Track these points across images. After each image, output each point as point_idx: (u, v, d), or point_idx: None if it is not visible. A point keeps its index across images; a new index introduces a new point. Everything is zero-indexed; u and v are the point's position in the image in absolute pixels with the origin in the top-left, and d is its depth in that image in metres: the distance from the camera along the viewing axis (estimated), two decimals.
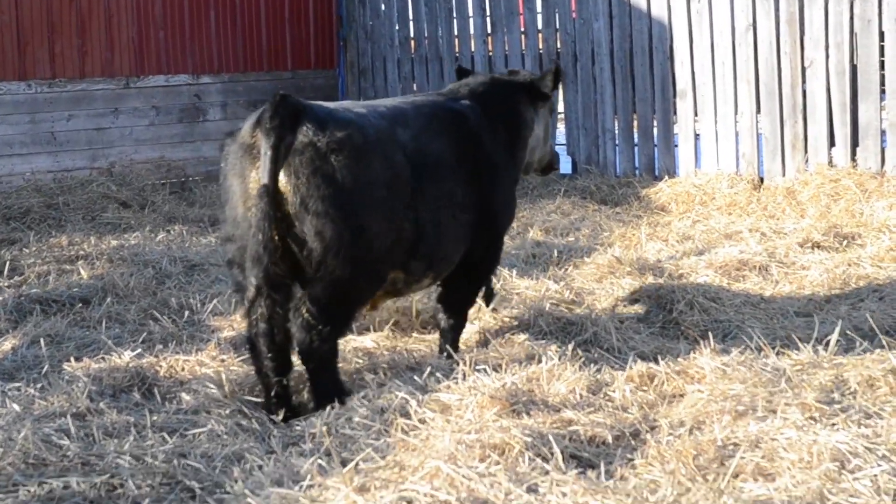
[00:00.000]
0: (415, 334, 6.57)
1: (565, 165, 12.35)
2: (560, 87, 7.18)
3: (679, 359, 5.71)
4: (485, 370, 5.54)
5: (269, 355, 5.38)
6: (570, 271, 7.84)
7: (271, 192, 5.26)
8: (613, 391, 5.33)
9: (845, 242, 8.49)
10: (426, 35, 13.26)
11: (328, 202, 5.36)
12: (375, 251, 5.55)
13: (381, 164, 5.58)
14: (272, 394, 5.42)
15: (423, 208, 5.75)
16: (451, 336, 6.29)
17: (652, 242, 8.78)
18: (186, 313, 7.11)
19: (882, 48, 10.31)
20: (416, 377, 5.60)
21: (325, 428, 5.01)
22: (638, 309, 6.75)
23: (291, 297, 5.47)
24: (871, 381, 5.24)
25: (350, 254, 5.41)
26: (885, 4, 10.22)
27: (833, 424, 4.74)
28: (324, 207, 5.35)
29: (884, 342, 5.92)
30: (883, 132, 10.32)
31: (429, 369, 5.66)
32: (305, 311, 5.40)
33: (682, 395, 5.29)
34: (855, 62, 10.42)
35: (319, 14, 13.69)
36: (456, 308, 6.35)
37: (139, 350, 6.19)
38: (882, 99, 10.39)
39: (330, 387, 5.48)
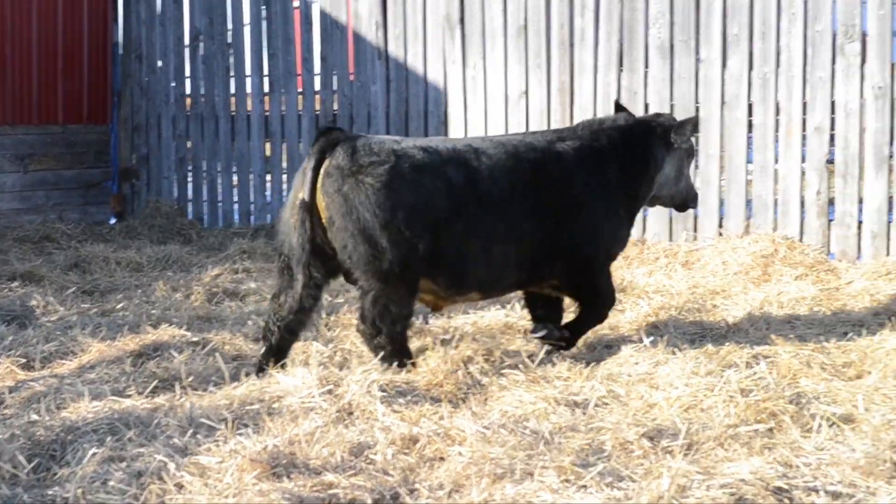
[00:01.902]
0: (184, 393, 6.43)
1: None
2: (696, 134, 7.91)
3: (442, 421, 5.74)
4: (247, 432, 5.49)
5: (279, 323, 6.78)
6: (339, 333, 7.82)
7: (308, 205, 6.52)
8: (375, 454, 5.30)
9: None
10: (202, 93, 13.15)
11: (348, 219, 6.52)
12: (393, 264, 6.57)
13: (404, 191, 6.58)
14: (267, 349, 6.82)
15: (451, 233, 6.75)
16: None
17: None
18: None
19: None
20: (176, 438, 5.50)
21: (79, 491, 4.88)
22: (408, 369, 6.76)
23: (321, 288, 6.84)
24: (625, 445, 5.36)
25: (371, 266, 6.57)
26: (651, 78, 10.61)
27: (586, 487, 4.84)
28: (344, 223, 6.54)
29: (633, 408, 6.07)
30: None
31: (190, 430, 5.57)
32: (361, 308, 6.69)
33: (443, 459, 5.31)
34: None
35: (94, 68, 13.41)
36: (572, 330, 7.32)
37: None
38: None
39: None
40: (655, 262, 9.92)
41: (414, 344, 7.12)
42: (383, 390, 6.16)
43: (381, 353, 6.64)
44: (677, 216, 10.41)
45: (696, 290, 8.87)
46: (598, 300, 7.40)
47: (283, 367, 6.72)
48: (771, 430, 5.61)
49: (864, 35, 9.94)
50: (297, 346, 7.21)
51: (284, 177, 12.66)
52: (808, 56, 10.07)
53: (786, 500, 4.65)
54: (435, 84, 11.74)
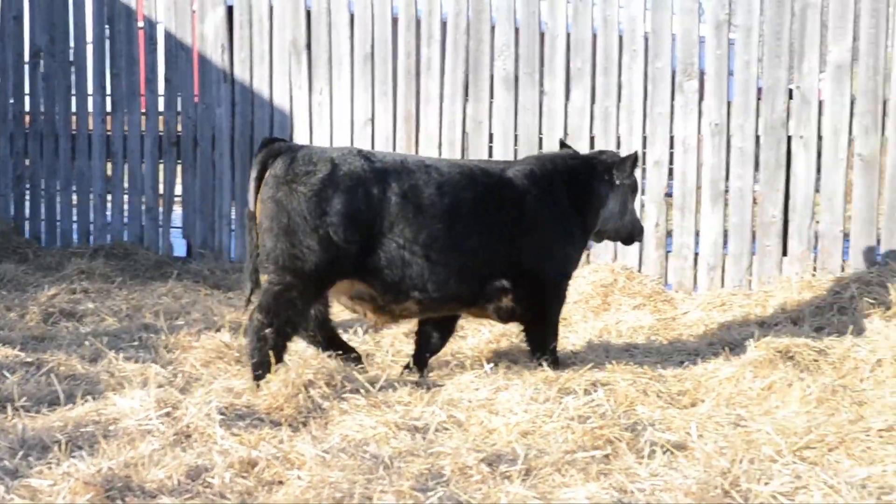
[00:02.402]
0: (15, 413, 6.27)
1: (179, 249, 12.24)
2: (635, 171, 8.00)
3: (281, 445, 5.70)
4: (81, 455, 5.37)
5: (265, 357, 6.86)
6: (179, 355, 7.72)
7: (252, 214, 6.93)
8: (213, 477, 5.23)
9: None
10: (42, 111, 12.84)
11: (275, 221, 6.82)
12: (316, 266, 6.85)
13: (335, 198, 6.86)
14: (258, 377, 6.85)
15: (388, 241, 6.99)
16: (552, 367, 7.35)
17: None
18: None
19: (491, 148, 10.79)
20: (6, 461, 5.36)
21: None
22: (248, 395, 6.70)
23: None
24: (465, 470, 5.39)
25: (291, 264, 6.84)
26: (496, 109, 10.73)
27: None
28: (271, 224, 6.83)
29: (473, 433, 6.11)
30: None
31: (21, 452, 5.44)
32: (262, 301, 6.89)
33: (281, 482, 5.27)
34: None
35: None
36: (536, 350, 7.56)
37: None
38: None
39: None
40: None
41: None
42: (222, 413, 6.10)
43: (261, 346, 6.85)
44: None
45: None
46: (549, 321, 7.66)
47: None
48: (607, 456, 5.69)
49: (702, 73, 10.19)
50: (135, 368, 7.11)
51: (126, 197, 12.44)
52: (648, 92, 10.29)
53: None
54: (281, 108, 11.69)
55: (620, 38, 10.40)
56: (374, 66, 11.28)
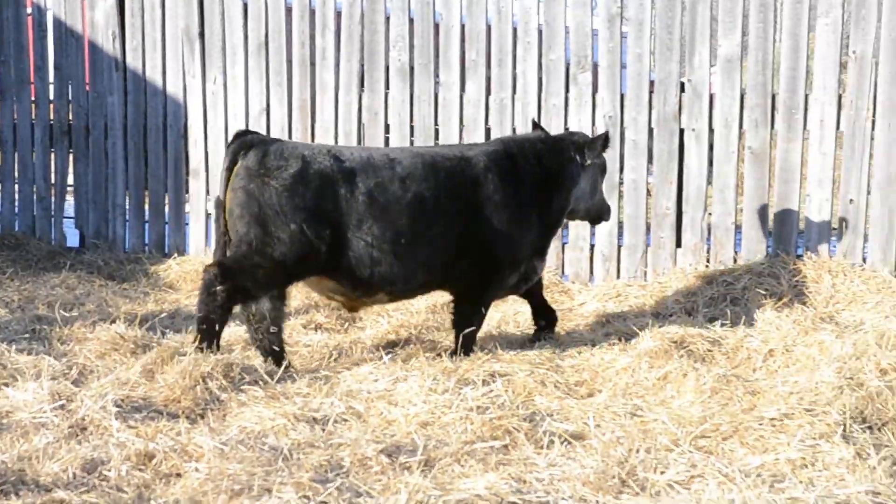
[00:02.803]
0: None
1: (73, 239, 12.06)
2: (606, 150, 8.20)
3: (179, 437, 5.64)
4: None
5: (212, 313, 7.10)
6: (73, 347, 7.60)
7: (221, 203, 7.10)
8: (109, 470, 5.19)
9: (346, 325, 8.73)
10: None
11: (246, 209, 6.99)
12: (278, 253, 7.02)
13: (307, 194, 7.04)
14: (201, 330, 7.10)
15: (355, 237, 7.17)
16: (462, 350, 7.56)
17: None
18: None
19: (388, 139, 10.79)
20: None
21: None
22: (145, 385, 6.62)
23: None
24: (364, 461, 5.38)
25: (263, 249, 7.01)
26: (391, 100, 10.72)
27: (325, 503, 4.84)
28: (241, 212, 7.00)
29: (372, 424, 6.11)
30: None
31: None
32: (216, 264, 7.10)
33: (179, 475, 5.23)
34: None
35: None
36: (459, 325, 7.65)
37: None
38: None
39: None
40: None
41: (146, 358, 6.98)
42: (118, 405, 6.04)
43: (208, 301, 7.06)
44: None
45: (436, 308, 8.98)
46: (482, 302, 7.82)
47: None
48: (506, 446, 5.73)
49: (595, 66, 10.26)
50: (28, 360, 6.99)
51: (17, 186, 12.21)
52: (542, 83, 10.35)
53: None
54: (174, 97, 11.56)
55: (514, 29, 10.44)
56: (268, 55, 11.21)
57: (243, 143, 7.16)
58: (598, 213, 8.41)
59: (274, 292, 7.14)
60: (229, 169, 7.10)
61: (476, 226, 7.52)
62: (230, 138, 7.38)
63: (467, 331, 7.61)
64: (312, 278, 7.37)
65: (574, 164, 8.01)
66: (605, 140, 8.06)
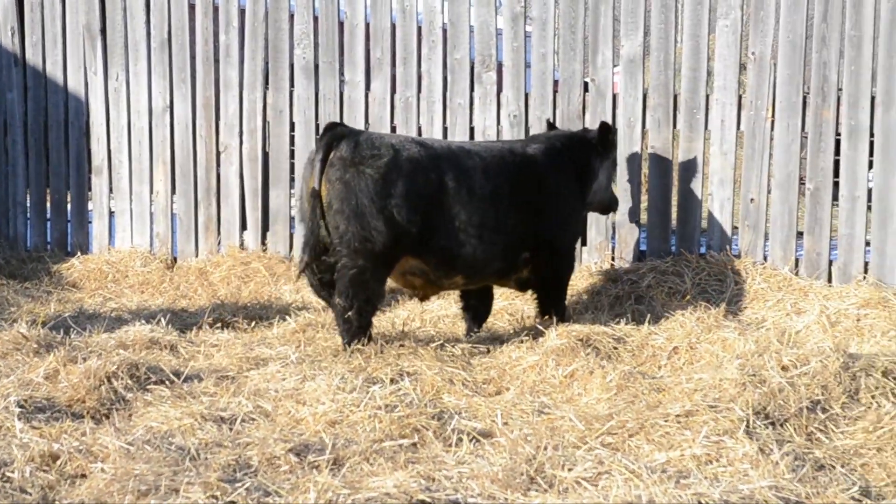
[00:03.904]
0: None
1: None
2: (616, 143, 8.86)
3: (84, 437, 5.58)
4: None
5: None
6: None
7: (317, 193, 7.37)
8: (13, 472, 5.09)
9: (253, 323, 8.69)
10: None
11: (346, 203, 7.32)
12: (384, 246, 7.39)
13: (399, 181, 7.42)
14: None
15: (443, 221, 7.64)
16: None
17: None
18: None
19: (293, 138, 10.74)
20: None
21: None
22: (49, 385, 6.53)
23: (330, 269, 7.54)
24: (273, 460, 5.36)
25: (362, 246, 7.35)
26: (296, 98, 10.68)
27: (234, 503, 4.80)
28: (341, 206, 7.32)
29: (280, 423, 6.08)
30: (292, 218, 10.74)
31: None
32: (339, 286, 7.43)
33: (84, 476, 5.17)
34: (267, 150, 10.80)
35: None
36: (547, 310, 8.32)
37: None
38: (292, 186, 10.79)
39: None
40: (303, 279, 9.95)
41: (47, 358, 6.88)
42: (21, 406, 5.96)
43: (348, 328, 7.45)
44: None
45: None
46: (562, 287, 8.47)
47: None
48: (415, 444, 5.73)
49: (499, 65, 10.30)
50: None
51: None
52: (448, 82, 10.37)
53: None
54: (76, 94, 11.41)
55: (419, 28, 10.45)
56: (171, 52, 11.11)
57: (335, 134, 7.47)
58: (608, 205, 9.03)
59: (379, 284, 7.59)
60: (323, 160, 7.40)
61: (541, 219, 8.09)
62: (321, 131, 7.59)
63: (561, 312, 8.31)
64: (401, 259, 7.71)
65: (596, 159, 8.64)
66: (614, 134, 8.78)
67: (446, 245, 7.68)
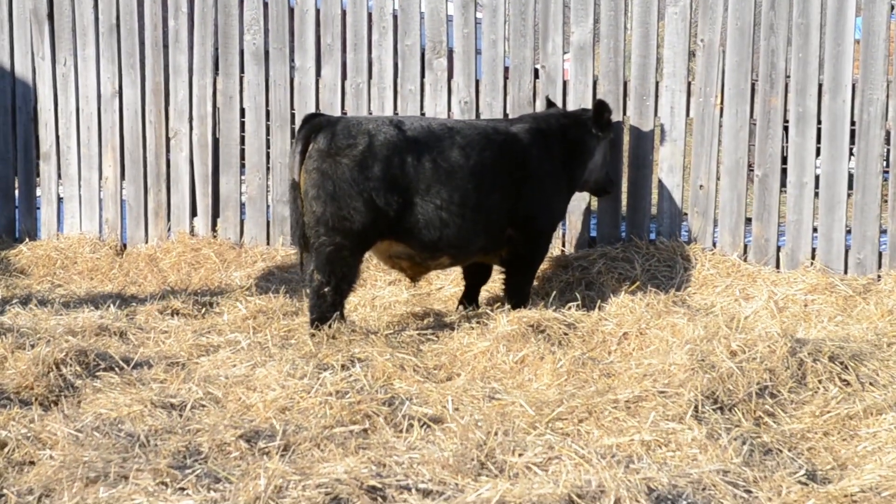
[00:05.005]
0: None
1: None
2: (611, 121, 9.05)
3: (32, 424, 5.55)
4: None
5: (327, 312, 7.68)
6: None
7: (296, 184, 7.65)
8: None
9: (204, 310, 8.67)
10: None
11: (321, 189, 7.54)
12: (363, 225, 7.59)
13: (376, 166, 7.61)
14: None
15: (421, 201, 7.76)
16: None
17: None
18: None
19: (243, 124, 10.70)
20: None
21: None
22: None
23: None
24: (223, 446, 5.36)
25: (340, 225, 7.56)
26: (246, 83, 10.63)
27: (183, 489, 4.80)
28: (317, 192, 7.55)
29: (230, 409, 6.07)
30: (242, 205, 10.70)
31: None
32: (316, 262, 7.63)
33: (33, 463, 5.14)
34: (217, 136, 10.75)
35: None
36: (513, 291, 8.49)
37: None
38: (242, 173, 10.76)
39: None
40: (254, 266, 9.95)
41: None
42: None
43: (320, 303, 7.61)
44: (274, 220, 10.49)
45: (293, 293, 8.96)
46: (532, 269, 8.64)
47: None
48: (365, 430, 5.75)
49: (450, 51, 10.30)
50: None
51: None
52: (398, 69, 10.36)
53: (379, 499, 4.76)
54: (23, 79, 11.31)
55: (370, 14, 10.43)
56: (120, 37, 11.02)
57: (313, 125, 7.69)
58: (604, 185, 9.26)
59: (356, 261, 7.76)
60: (302, 152, 7.62)
61: (523, 196, 8.21)
62: (300, 122, 7.86)
63: (524, 296, 8.47)
64: (382, 244, 7.91)
65: (592, 138, 8.83)
66: (609, 113, 8.91)
67: (428, 226, 7.82)
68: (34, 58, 11.30)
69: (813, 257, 9.31)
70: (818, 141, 9.34)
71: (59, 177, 11.29)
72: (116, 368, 6.61)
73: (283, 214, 10.24)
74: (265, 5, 10.65)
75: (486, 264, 8.73)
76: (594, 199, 9.92)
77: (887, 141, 9.65)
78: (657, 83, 9.73)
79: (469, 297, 8.78)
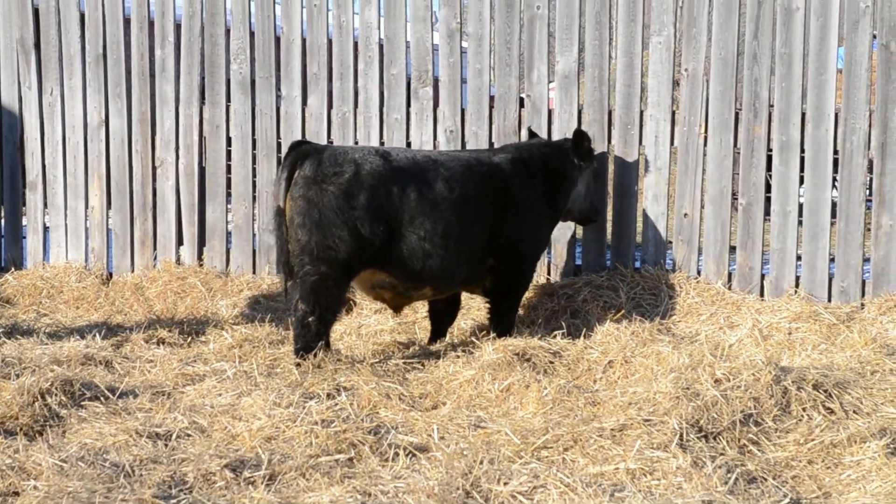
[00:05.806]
0: None
1: None
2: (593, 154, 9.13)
3: (17, 454, 5.54)
4: None
5: (311, 342, 7.62)
6: None
7: (281, 211, 7.60)
8: None
9: (189, 339, 8.66)
10: None
11: (307, 216, 7.51)
12: (347, 255, 7.56)
13: (361, 196, 7.59)
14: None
15: (406, 231, 7.77)
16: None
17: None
18: None
19: (230, 153, 10.72)
20: None
21: None
22: None
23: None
24: (208, 476, 5.36)
25: (325, 254, 7.53)
26: (233, 112, 10.65)
27: None
28: (303, 220, 7.51)
29: (216, 439, 6.07)
30: (229, 233, 10.71)
31: None
32: (301, 292, 7.59)
33: (17, 493, 5.13)
34: (204, 165, 10.77)
35: None
36: (498, 319, 8.46)
37: None
38: (228, 202, 10.76)
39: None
40: (240, 295, 9.95)
41: None
42: None
43: (305, 332, 7.57)
44: (260, 249, 10.50)
45: (279, 321, 8.96)
46: (517, 297, 8.63)
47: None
48: (351, 459, 5.76)
49: (436, 80, 10.34)
50: None
51: None
52: (384, 98, 10.39)
53: None
54: (9, 109, 11.32)
55: (356, 44, 10.46)
56: (106, 66, 11.04)
57: (300, 153, 7.67)
58: (588, 214, 9.22)
59: (341, 291, 7.76)
60: (288, 179, 7.60)
61: (505, 225, 8.24)
62: (287, 149, 7.84)
63: (509, 324, 8.47)
64: (366, 273, 7.87)
65: (574, 168, 8.85)
66: (589, 142, 8.93)
67: (412, 257, 7.82)
68: (21, 87, 11.32)
69: (797, 285, 9.35)
70: (801, 170, 9.39)
71: (46, 206, 11.29)
72: (102, 398, 6.61)
73: (269, 243, 10.23)
74: (251, 35, 10.68)
75: (453, 305, 8.75)
76: (579, 227, 9.95)
77: (870, 170, 9.68)
78: (641, 112, 9.77)
79: (436, 338, 8.73)
